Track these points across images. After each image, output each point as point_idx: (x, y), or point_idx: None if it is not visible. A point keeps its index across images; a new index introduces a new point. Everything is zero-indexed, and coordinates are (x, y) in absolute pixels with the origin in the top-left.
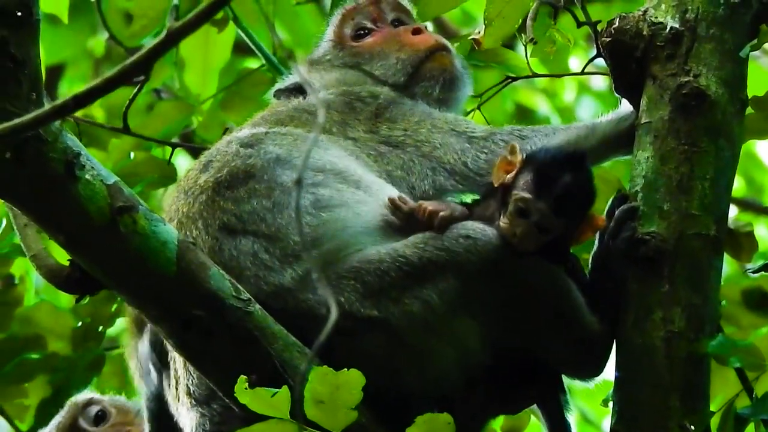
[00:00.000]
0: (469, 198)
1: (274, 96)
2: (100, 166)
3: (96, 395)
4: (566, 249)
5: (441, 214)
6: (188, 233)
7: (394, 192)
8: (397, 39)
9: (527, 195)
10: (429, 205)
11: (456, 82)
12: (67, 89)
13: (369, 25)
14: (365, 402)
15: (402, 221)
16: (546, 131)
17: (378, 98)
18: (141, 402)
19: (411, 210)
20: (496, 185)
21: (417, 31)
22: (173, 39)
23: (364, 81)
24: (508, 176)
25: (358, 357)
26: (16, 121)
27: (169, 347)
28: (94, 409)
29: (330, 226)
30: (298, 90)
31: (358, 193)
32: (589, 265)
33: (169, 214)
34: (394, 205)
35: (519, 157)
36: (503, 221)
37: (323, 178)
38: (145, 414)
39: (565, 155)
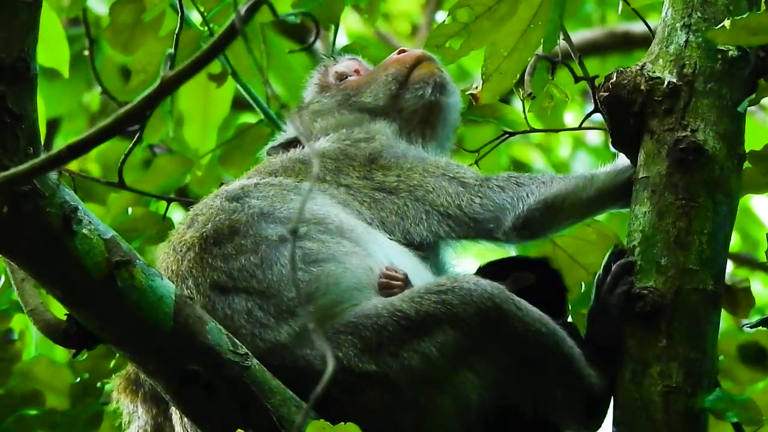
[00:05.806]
0: None
1: (267, 154)
2: (97, 220)
3: None
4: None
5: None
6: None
7: (376, 234)
8: (382, 65)
9: None
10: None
11: (447, 86)
12: (63, 144)
13: (352, 74)
14: None
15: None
16: (543, 179)
17: (374, 140)
18: None
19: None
20: None
21: (401, 52)
22: (167, 88)
23: (360, 119)
24: None
25: (357, 411)
26: (11, 171)
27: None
28: None
29: (322, 281)
30: (291, 143)
31: (343, 242)
32: (587, 321)
33: (160, 270)
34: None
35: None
36: None
37: (307, 229)
38: None
39: None
